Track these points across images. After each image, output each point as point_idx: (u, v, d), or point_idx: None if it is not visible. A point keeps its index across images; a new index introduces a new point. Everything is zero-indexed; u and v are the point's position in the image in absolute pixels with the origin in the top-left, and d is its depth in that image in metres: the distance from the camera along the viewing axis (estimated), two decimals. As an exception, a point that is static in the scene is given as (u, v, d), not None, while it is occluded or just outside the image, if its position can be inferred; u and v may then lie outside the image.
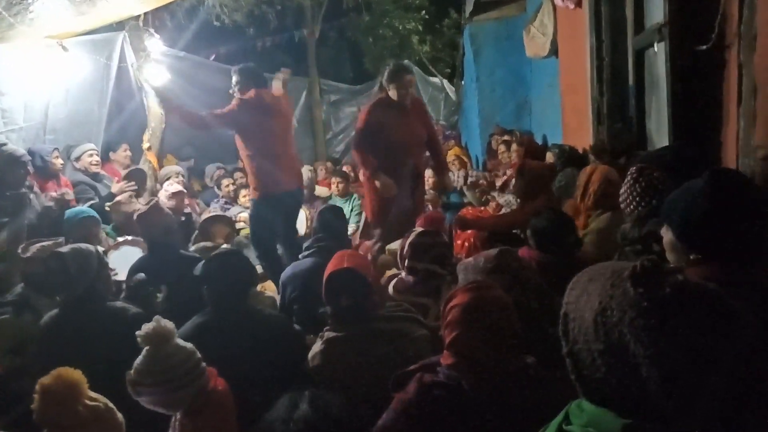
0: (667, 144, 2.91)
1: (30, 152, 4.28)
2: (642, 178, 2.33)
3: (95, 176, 4.86)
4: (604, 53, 3.90)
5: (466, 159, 6.98)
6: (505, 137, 6.00)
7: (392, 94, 3.74)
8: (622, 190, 2.41)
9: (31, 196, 3.90)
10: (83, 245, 2.60)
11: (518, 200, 3.72)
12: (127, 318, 2.35)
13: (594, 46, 3.97)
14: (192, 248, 3.64)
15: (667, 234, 1.56)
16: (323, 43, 11.67)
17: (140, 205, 4.01)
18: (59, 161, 4.50)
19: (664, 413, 0.85)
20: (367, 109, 3.97)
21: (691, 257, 1.48)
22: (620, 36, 3.79)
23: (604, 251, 2.63)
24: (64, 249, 2.55)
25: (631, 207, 2.35)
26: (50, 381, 1.68)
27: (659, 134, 3.33)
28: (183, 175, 5.86)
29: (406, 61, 3.92)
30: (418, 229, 2.76)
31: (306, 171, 6.56)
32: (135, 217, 3.47)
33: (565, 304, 0.99)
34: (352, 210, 5.95)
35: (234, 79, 3.98)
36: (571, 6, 4.30)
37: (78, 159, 4.82)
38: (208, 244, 3.71)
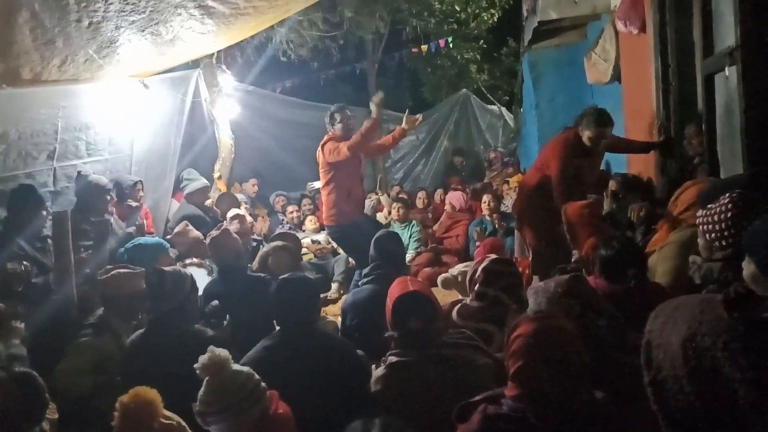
0: (741, 171, 2.79)
1: (115, 183, 4.61)
2: (754, 208, 1.92)
3: (205, 209, 5.18)
4: (671, 78, 3.80)
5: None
6: (566, 164, 5.88)
7: (585, 138, 3.60)
8: (714, 217, 2.06)
9: (111, 220, 4.18)
10: (182, 270, 2.81)
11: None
12: (203, 341, 2.41)
13: (659, 71, 3.88)
14: (263, 249, 3.78)
15: (749, 266, 1.50)
16: (383, 73, 11.93)
17: (198, 233, 4.27)
18: (140, 193, 4.79)
19: None
20: (561, 152, 3.61)
21: (775, 290, 1.41)
22: (687, 60, 3.69)
23: (677, 266, 2.47)
24: (167, 268, 2.76)
25: (729, 241, 1.98)
26: (128, 399, 1.79)
27: (733, 161, 3.19)
28: (246, 203, 6.15)
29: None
30: (492, 255, 2.71)
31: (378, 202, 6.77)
32: (208, 241, 3.65)
33: (648, 333, 0.97)
34: (410, 236, 5.97)
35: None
36: (635, 31, 4.23)
37: (191, 194, 5.17)
38: (278, 243, 3.82)
